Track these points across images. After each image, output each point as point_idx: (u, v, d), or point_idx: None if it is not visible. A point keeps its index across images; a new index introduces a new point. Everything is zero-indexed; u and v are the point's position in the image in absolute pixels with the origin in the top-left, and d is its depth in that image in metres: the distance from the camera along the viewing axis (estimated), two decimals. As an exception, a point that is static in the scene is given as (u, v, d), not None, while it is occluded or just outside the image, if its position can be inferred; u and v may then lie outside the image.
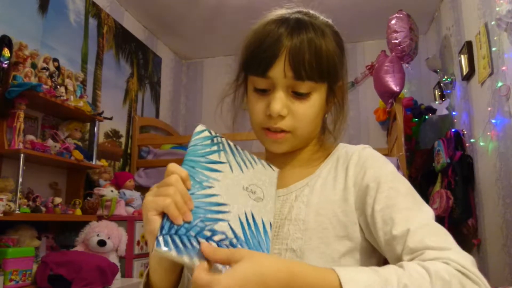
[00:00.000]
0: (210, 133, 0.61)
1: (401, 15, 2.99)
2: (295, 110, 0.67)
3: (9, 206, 1.92)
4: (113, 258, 2.31)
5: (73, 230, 2.43)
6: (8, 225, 2.07)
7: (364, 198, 0.66)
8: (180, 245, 0.48)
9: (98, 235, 2.29)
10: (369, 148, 0.73)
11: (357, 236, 0.66)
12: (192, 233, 0.50)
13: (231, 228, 0.52)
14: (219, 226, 0.52)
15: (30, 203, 2.15)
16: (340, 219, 0.66)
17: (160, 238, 0.48)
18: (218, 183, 0.55)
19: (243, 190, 0.57)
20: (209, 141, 0.59)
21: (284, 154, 0.74)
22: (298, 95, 0.67)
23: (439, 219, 2.88)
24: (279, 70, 0.65)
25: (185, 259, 0.48)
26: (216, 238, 0.51)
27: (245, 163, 0.61)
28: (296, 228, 0.67)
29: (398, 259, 0.58)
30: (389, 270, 0.52)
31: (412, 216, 0.60)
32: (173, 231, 0.49)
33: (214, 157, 0.58)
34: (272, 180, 0.64)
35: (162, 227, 0.49)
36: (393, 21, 2.99)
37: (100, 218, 2.49)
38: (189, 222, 0.50)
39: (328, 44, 0.67)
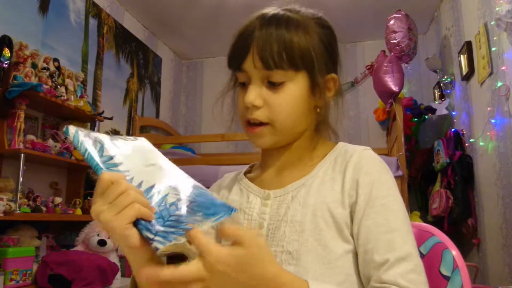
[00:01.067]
0: (83, 131, 0.58)
1: (400, 15, 2.99)
2: (270, 100, 0.68)
3: (10, 206, 1.92)
4: (114, 258, 2.32)
5: (73, 230, 2.43)
6: (8, 225, 2.08)
7: (354, 207, 0.66)
8: (175, 230, 0.49)
9: (98, 235, 2.29)
10: (369, 150, 0.72)
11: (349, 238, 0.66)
12: (166, 216, 0.50)
13: (175, 194, 0.54)
14: (170, 198, 0.53)
15: (31, 203, 2.15)
16: (336, 221, 0.65)
17: (157, 238, 0.48)
18: (131, 173, 0.55)
19: (147, 167, 0.57)
20: (90, 141, 0.57)
21: (278, 152, 0.75)
22: (272, 85, 0.68)
23: (439, 219, 2.88)
24: (250, 62, 0.67)
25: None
26: (180, 205, 0.52)
27: (123, 147, 0.59)
28: (292, 230, 0.66)
29: (366, 279, 0.62)
30: None
31: (396, 242, 0.61)
32: (157, 227, 0.49)
33: (106, 153, 0.56)
34: (151, 147, 0.63)
35: (147, 230, 0.49)
36: (391, 21, 3.00)
37: (100, 218, 2.49)
38: (155, 214, 0.51)
39: (301, 37, 0.67)
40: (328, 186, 0.69)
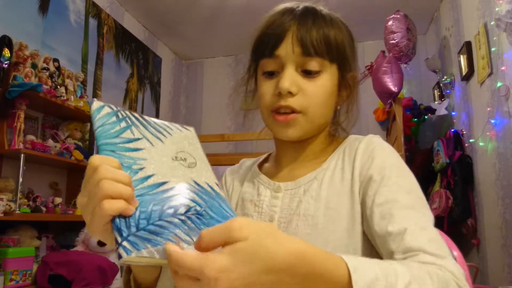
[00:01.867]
0: (111, 108, 0.52)
1: (398, 16, 3.00)
2: (305, 88, 0.66)
3: (10, 206, 1.92)
4: (114, 258, 2.32)
5: (73, 230, 2.43)
6: (8, 225, 2.08)
7: (366, 189, 0.64)
8: (152, 237, 0.40)
9: (98, 235, 2.29)
10: (377, 137, 0.71)
11: (361, 230, 0.64)
12: (155, 218, 0.42)
13: (187, 198, 0.46)
14: (175, 201, 0.45)
15: (30, 203, 2.16)
16: (349, 212, 0.64)
17: (125, 244, 0.39)
18: (147, 162, 0.48)
19: (173, 161, 0.50)
20: (114, 118, 0.51)
21: (295, 146, 0.73)
22: (308, 73, 0.66)
23: (439, 219, 2.88)
24: (287, 47, 0.66)
25: (159, 254, 0.39)
26: (180, 211, 0.44)
27: (161, 133, 0.53)
28: (305, 224, 0.65)
29: (390, 257, 0.56)
30: (391, 262, 0.50)
31: (412, 215, 0.58)
32: (133, 229, 0.40)
33: (128, 134, 0.50)
34: (194, 141, 0.57)
35: (118, 231, 0.40)
36: (390, 22, 3.00)
37: (100, 218, 2.49)
38: (142, 213, 0.42)
39: (336, 31, 0.68)
40: (339, 177, 0.68)
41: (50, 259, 2.01)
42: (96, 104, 0.51)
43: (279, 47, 0.66)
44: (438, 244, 0.56)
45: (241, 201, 0.74)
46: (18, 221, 2.09)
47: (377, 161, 0.65)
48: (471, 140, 2.72)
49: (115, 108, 0.52)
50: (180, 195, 0.46)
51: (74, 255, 2.11)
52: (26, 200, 2.14)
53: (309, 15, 0.67)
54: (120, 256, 0.39)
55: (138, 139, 0.50)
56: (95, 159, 0.44)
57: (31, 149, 2.15)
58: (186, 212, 0.44)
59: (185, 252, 0.37)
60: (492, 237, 2.44)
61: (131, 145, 0.49)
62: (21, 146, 2.09)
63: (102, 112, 0.51)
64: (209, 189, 0.49)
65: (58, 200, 2.34)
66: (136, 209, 0.42)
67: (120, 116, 0.51)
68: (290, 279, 0.40)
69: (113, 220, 0.41)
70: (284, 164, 0.75)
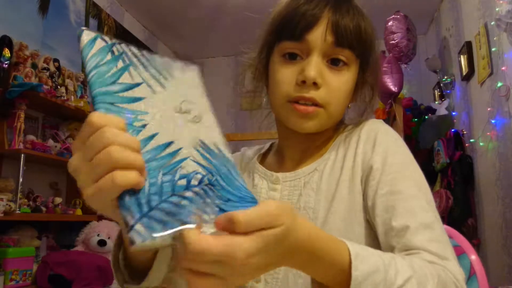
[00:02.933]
0: (105, 40, 0.43)
1: (398, 16, 2.99)
2: (330, 81, 0.61)
3: (10, 206, 1.92)
4: (113, 258, 2.32)
5: (73, 230, 2.43)
6: (8, 225, 2.08)
7: (368, 178, 0.61)
8: (168, 219, 0.34)
9: (98, 235, 2.29)
10: (380, 121, 0.68)
11: (363, 220, 0.61)
12: (168, 192, 0.36)
13: (198, 163, 0.39)
14: (186, 167, 0.38)
15: (31, 203, 2.15)
16: (348, 202, 0.61)
17: (138, 227, 0.33)
18: (149, 117, 0.39)
19: (177, 113, 0.42)
20: (109, 56, 0.41)
21: (302, 139, 0.67)
22: (334, 65, 0.62)
23: (439, 219, 2.88)
24: (319, 33, 0.60)
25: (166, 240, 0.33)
26: (194, 182, 0.38)
27: (162, 75, 0.44)
28: (305, 217, 0.62)
29: (390, 251, 0.55)
30: (393, 256, 0.49)
31: (416, 209, 0.56)
32: (145, 208, 0.34)
33: (126, 78, 0.40)
34: (197, 85, 0.49)
35: (127, 211, 0.34)
36: (390, 22, 3.00)
37: (100, 218, 2.49)
38: (152, 185, 0.36)
39: (367, 24, 0.65)
40: (340, 165, 0.65)
41: (50, 259, 2.01)
42: (86, 35, 0.41)
43: (311, 31, 0.60)
44: (441, 244, 0.54)
45: None
46: (18, 221, 2.09)
47: (380, 148, 0.62)
48: (471, 140, 2.72)
49: (109, 41, 0.43)
50: (190, 160, 0.39)
51: (74, 255, 2.11)
52: (26, 200, 2.13)
53: (343, 4, 0.62)
54: (132, 242, 0.32)
55: (138, 84, 0.41)
56: (97, 117, 0.36)
57: (31, 149, 2.15)
58: (199, 183, 0.38)
59: (208, 238, 0.33)
60: (492, 237, 2.43)
61: (130, 94, 0.40)
62: (21, 146, 2.09)
63: (95, 47, 0.41)
64: (217, 151, 0.42)
65: (58, 200, 2.34)
66: (145, 180, 0.36)
67: (116, 52, 0.42)
68: (294, 260, 0.40)
69: (120, 196, 0.34)
70: (287, 156, 0.71)
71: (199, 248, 0.33)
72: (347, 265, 0.43)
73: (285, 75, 0.62)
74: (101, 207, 0.38)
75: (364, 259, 0.44)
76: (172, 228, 0.33)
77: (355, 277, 0.42)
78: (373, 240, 0.60)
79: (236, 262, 0.33)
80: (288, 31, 0.62)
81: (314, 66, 0.60)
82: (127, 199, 0.34)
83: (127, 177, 0.34)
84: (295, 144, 0.70)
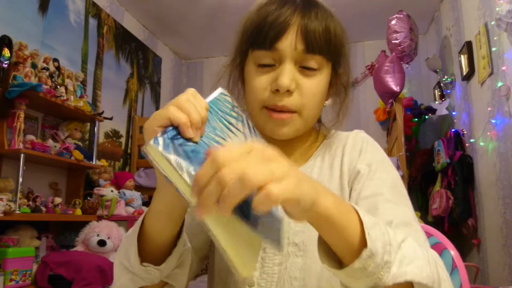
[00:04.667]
0: (232, 101, 0.56)
1: (401, 16, 2.99)
2: (303, 86, 0.62)
3: (9, 206, 1.92)
4: (113, 258, 2.31)
5: (73, 230, 2.43)
6: (8, 225, 2.07)
7: (353, 183, 0.65)
8: (186, 160, 0.41)
9: (98, 235, 2.29)
10: (363, 132, 0.72)
11: None
12: (199, 151, 0.43)
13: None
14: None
15: (30, 203, 2.15)
16: None
17: (160, 139, 0.41)
18: (230, 140, 0.49)
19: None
20: (230, 106, 0.54)
21: (282, 144, 0.69)
22: (306, 70, 0.63)
23: (439, 219, 2.88)
24: (289, 42, 0.61)
25: (183, 166, 0.40)
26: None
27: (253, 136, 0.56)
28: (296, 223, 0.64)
29: None
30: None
31: (396, 210, 0.60)
32: (177, 141, 0.42)
33: (232, 120, 0.52)
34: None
35: (164, 132, 0.43)
36: (393, 22, 3.00)
37: (100, 218, 2.49)
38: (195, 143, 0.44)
39: (335, 24, 0.65)
40: (328, 174, 0.68)
41: (50, 259, 2.01)
42: (220, 90, 0.55)
43: (281, 40, 0.61)
44: (420, 239, 0.57)
45: None
46: (18, 221, 2.09)
47: (364, 156, 0.67)
48: (471, 140, 2.72)
49: (235, 104, 0.56)
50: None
51: (74, 255, 2.11)
52: (26, 200, 2.13)
53: (312, 8, 0.63)
54: (146, 143, 0.40)
55: (238, 130, 0.51)
56: (192, 90, 0.47)
57: (31, 149, 2.15)
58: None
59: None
60: (493, 237, 2.43)
61: (228, 125, 0.51)
62: (21, 146, 2.09)
63: (223, 97, 0.54)
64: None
65: (58, 200, 2.33)
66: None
67: (235, 111, 0.54)
68: (325, 196, 0.44)
69: (169, 127, 0.43)
70: None
71: (226, 149, 0.37)
72: (357, 216, 0.47)
73: (260, 83, 0.64)
74: (149, 129, 0.46)
75: (367, 215, 0.47)
76: (188, 165, 0.40)
77: (365, 223, 0.45)
78: None
79: (259, 151, 0.38)
80: (259, 41, 0.63)
81: (287, 74, 0.61)
82: (169, 128, 0.43)
83: (178, 113, 0.44)
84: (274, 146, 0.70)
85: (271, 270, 0.64)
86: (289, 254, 0.64)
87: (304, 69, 0.63)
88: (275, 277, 0.63)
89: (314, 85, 0.64)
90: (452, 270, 0.82)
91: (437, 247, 0.84)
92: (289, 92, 0.62)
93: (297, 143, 0.71)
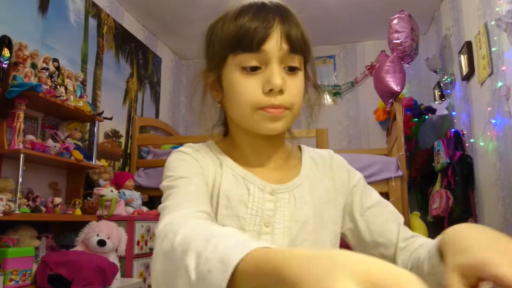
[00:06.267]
0: None
1: (403, 15, 2.99)
2: (291, 85, 0.66)
3: (9, 206, 1.92)
4: (113, 258, 2.31)
5: (73, 230, 2.43)
6: (8, 225, 2.07)
7: (352, 198, 0.75)
8: None
9: (98, 235, 2.29)
10: (336, 154, 0.82)
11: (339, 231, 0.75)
12: None
13: None
14: None
15: (30, 203, 2.15)
16: (332, 220, 0.73)
17: None
18: None
19: None
20: None
21: (264, 144, 0.72)
22: (291, 70, 0.67)
23: (439, 219, 2.88)
24: (275, 43, 0.64)
25: None
26: None
27: None
28: (303, 230, 0.68)
29: (393, 246, 0.69)
30: None
31: (396, 212, 0.74)
32: None
33: None
34: None
35: None
36: (394, 21, 3.00)
37: (100, 218, 2.49)
38: None
39: (306, 30, 0.69)
40: (320, 186, 0.74)
41: (50, 259, 2.01)
42: None
43: (267, 42, 0.64)
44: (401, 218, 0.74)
45: (226, 200, 0.68)
46: (18, 221, 2.09)
47: (353, 174, 0.77)
48: (471, 140, 2.72)
49: None
50: None
51: (74, 255, 2.11)
52: (25, 200, 2.13)
53: (285, 12, 0.67)
54: None
55: None
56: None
57: (30, 149, 2.15)
58: None
59: None
60: (493, 237, 2.43)
61: None
62: (21, 146, 2.09)
63: None
64: None
65: (58, 200, 2.33)
66: None
67: None
68: None
69: None
70: (256, 161, 0.73)
71: None
72: None
73: (250, 86, 0.65)
74: None
75: None
76: None
77: None
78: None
79: None
80: (244, 44, 0.65)
81: (278, 74, 0.64)
82: None
83: None
84: (259, 149, 0.73)
85: None
86: None
87: (289, 71, 0.67)
88: None
89: (299, 83, 0.68)
90: None
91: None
92: (281, 91, 0.65)
93: (274, 140, 0.74)
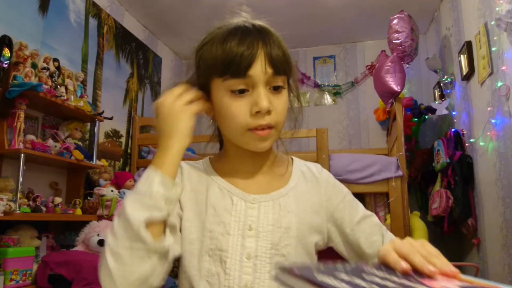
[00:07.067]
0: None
1: (403, 15, 2.99)
2: (276, 105, 0.72)
3: (10, 206, 1.92)
4: (113, 258, 2.31)
5: (73, 230, 2.43)
6: (8, 225, 2.08)
7: (339, 213, 0.79)
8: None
9: (98, 235, 2.29)
10: (323, 168, 0.87)
11: (324, 242, 0.80)
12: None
13: None
14: None
15: (30, 203, 2.15)
16: (317, 229, 0.78)
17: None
18: None
19: None
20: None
21: (255, 158, 0.79)
22: (275, 90, 0.72)
23: (439, 219, 2.88)
24: (260, 68, 0.69)
25: None
26: None
27: None
28: (284, 236, 0.73)
29: (372, 245, 0.78)
30: None
31: (378, 224, 0.81)
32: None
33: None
34: None
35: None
36: (394, 21, 3.00)
37: (100, 218, 2.49)
38: None
39: (285, 45, 0.74)
40: (306, 198, 0.79)
41: (50, 259, 2.01)
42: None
43: (252, 67, 0.69)
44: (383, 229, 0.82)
45: (213, 210, 0.75)
46: (18, 221, 2.09)
47: (339, 190, 0.83)
48: (471, 140, 2.72)
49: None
50: None
51: (74, 255, 2.11)
52: (26, 200, 2.13)
53: (266, 34, 0.72)
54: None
55: None
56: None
57: (31, 149, 2.15)
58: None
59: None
60: (493, 237, 2.43)
61: None
62: (21, 146, 2.09)
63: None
64: None
65: (58, 200, 2.33)
66: None
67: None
68: None
69: None
70: (245, 174, 0.80)
71: None
72: None
73: (239, 108, 0.71)
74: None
75: None
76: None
77: None
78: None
79: None
80: (232, 71, 0.70)
81: (266, 97, 0.70)
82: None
83: None
84: (247, 164, 0.80)
85: (263, 276, 0.71)
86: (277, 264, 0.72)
87: (274, 91, 0.72)
88: (265, 286, 0.71)
89: (283, 102, 0.74)
90: None
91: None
92: (268, 112, 0.70)
93: (265, 158, 0.81)
